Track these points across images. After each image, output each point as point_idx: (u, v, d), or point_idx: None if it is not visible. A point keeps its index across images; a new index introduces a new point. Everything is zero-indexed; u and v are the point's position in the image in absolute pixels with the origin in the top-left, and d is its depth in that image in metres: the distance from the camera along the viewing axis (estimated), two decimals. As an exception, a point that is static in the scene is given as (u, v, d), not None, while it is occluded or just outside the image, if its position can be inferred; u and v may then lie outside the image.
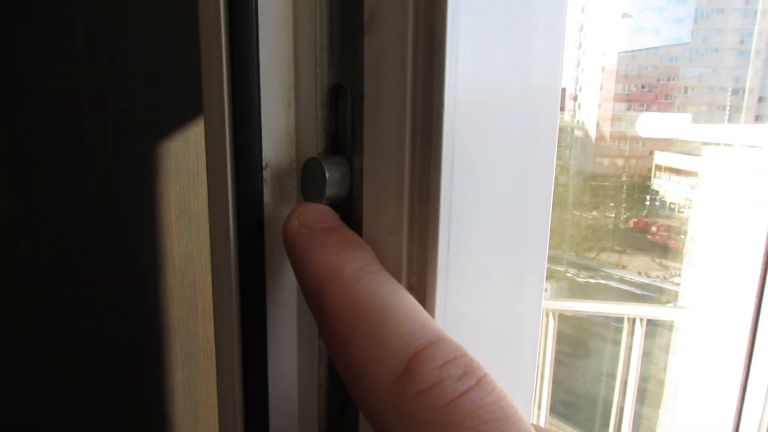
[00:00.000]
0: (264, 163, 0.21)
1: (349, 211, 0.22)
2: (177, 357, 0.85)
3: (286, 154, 0.22)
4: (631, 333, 1.54)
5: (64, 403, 0.77)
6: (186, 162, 0.79)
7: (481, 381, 0.16)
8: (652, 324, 1.58)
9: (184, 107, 0.77)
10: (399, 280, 0.20)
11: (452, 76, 0.18)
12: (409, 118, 0.19)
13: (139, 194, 0.76)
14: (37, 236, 0.72)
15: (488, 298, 0.21)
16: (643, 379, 1.67)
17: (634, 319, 1.54)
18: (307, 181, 0.21)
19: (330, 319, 0.18)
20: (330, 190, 0.20)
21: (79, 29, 0.69)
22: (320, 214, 0.21)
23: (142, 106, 0.75)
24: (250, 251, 0.22)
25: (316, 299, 0.19)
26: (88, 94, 0.71)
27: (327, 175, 0.20)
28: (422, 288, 0.20)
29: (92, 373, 0.78)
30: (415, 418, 0.16)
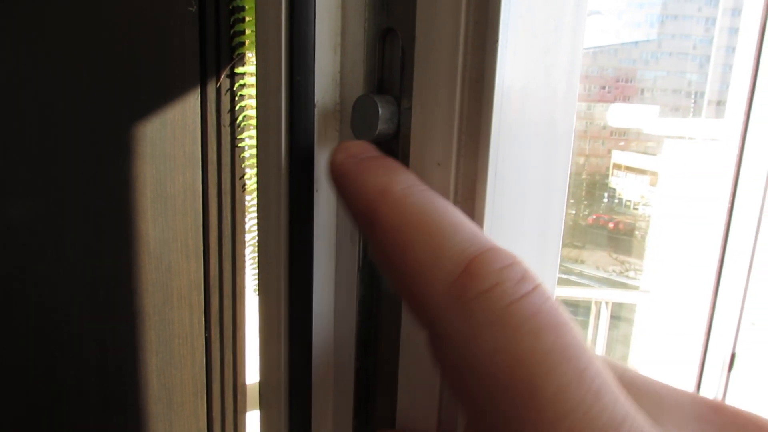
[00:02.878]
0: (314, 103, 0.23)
1: (395, 148, 0.23)
2: (151, 344, 0.84)
3: (331, 97, 0.24)
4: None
5: (34, 393, 0.75)
6: (162, 145, 0.79)
7: (538, 288, 0.16)
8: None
9: (161, 89, 0.77)
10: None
11: (505, 16, 0.20)
12: (461, 57, 0.20)
13: (113, 177, 0.75)
14: (6, 220, 0.70)
15: (524, 226, 0.23)
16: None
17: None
18: (358, 117, 0.22)
19: (383, 232, 0.18)
20: (381, 126, 0.22)
21: (48, 7, 0.68)
22: (364, 146, 0.22)
23: (117, 87, 0.74)
24: (301, 185, 0.23)
25: (368, 216, 0.19)
26: (59, 74, 0.69)
27: (380, 111, 0.21)
28: (468, 215, 0.21)
29: (62, 361, 0.76)
30: (475, 320, 0.15)
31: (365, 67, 0.23)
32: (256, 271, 0.94)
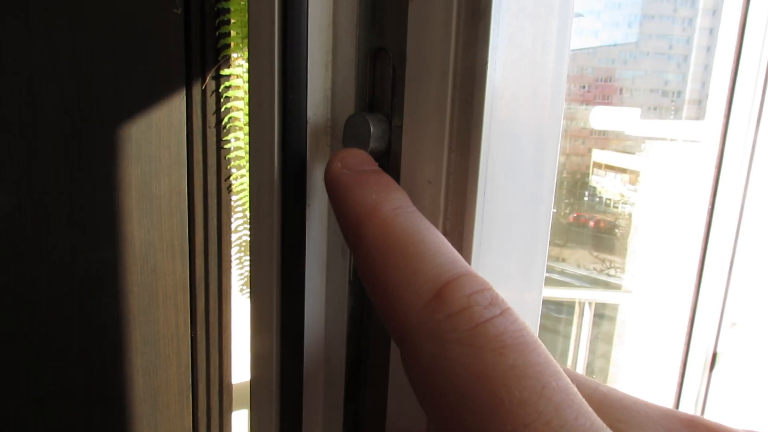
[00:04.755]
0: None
1: (386, 165, 0.24)
2: (136, 345, 0.84)
3: (322, 113, 0.24)
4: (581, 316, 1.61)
5: (18, 392, 0.75)
6: (148, 146, 0.79)
7: (505, 312, 0.17)
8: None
9: (147, 91, 0.76)
10: (435, 224, 0.22)
11: (494, 39, 0.20)
12: (450, 77, 0.21)
13: (98, 178, 0.75)
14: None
15: (512, 241, 0.23)
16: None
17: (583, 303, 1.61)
18: (350, 136, 0.23)
19: (368, 250, 0.20)
20: (373, 144, 0.22)
21: (33, 9, 0.67)
22: (361, 157, 0.22)
23: (103, 88, 0.73)
24: (293, 199, 0.23)
25: (355, 232, 0.20)
26: (45, 75, 0.69)
27: (371, 129, 0.22)
28: (457, 232, 0.22)
29: (47, 362, 0.76)
30: (444, 338, 0.17)
31: (356, 84, 0.24)
32: (245, 275, 0.94)
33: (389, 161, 0.24)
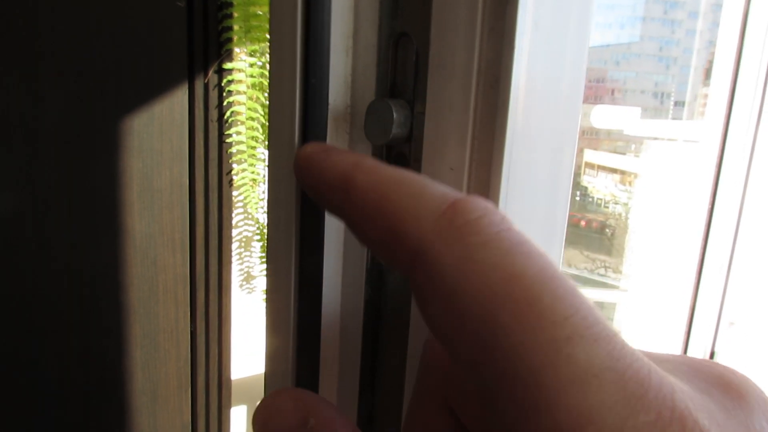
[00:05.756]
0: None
1: (407, 152, 0.24)
2: (136, 338, 0.84)
3: (342, 99, 0.24)
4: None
5: (17, 385, 0.74)
6: (149, 139, 0.78)
7: (519, 230, 0.16)
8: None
9: (149, 84, 0.76)
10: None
11: (522, 24, 0.20)
12: (476, 63, 0.21)
13: (100, 171, 0.75)
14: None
15: (531, 229, 0.23)
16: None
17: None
18: (372, 121, 0.23)
19: (362, 193, 0.18)
20: (395, 130, 0.22)
21: (35, 3, 0.67)
22: (329, 144, 0.22)
23: (105, 81, 0.73)
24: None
25: (342, 186, 0.19)
26: (48, 67, 0.69)
27: (394, 115, 0.22)
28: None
29: (46, 354, 0.76)
30: (467, 241, 0.15)
31: (378, 70, 0.23)
32: (246, 270, 0.94)
33: (411, 148, 0.23)
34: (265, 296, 0.26)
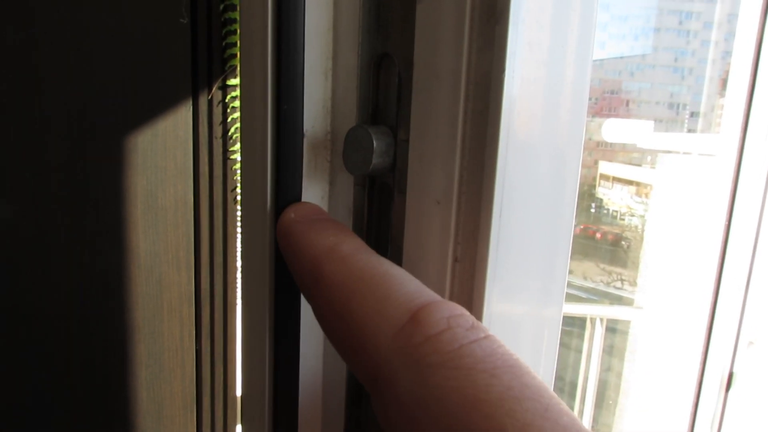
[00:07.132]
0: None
1: (390, 183, 0.22)
2: (141, 357, 0.83)
3: (321, 126, 0.22)
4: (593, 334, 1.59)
5: (21, 407, 0.74)
6: (154, 156, 0.77)
7: (489, 336, 0.15)
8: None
9: (153, 101, 0.75)
10: (445, 250, 0.20)
11: (513, 45, 0.18)
12: (463, 86, 0.19)
13: (104, 188, 0.74)
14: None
15: (529, 265, 0.21)
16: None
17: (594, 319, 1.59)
18: (351, 150, 0.21)
19: (328, 288, 0.18)
20: (376, 159, 0.20)
21: (40, 19, 0.67)
22: (314, 208, 0.21)
23: (110, 98, 0.72)
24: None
25: (312, 273, 0.18)
26: (51, 84, 0.68)
27: (375, 143, 0.20)
28: (469, 258, 0.20)
29: (50, 374, 0.75)
30: (424, 363, 0.15)
31: (359, 94, 0.21)
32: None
33: (394, 179, 0.21)
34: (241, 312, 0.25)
